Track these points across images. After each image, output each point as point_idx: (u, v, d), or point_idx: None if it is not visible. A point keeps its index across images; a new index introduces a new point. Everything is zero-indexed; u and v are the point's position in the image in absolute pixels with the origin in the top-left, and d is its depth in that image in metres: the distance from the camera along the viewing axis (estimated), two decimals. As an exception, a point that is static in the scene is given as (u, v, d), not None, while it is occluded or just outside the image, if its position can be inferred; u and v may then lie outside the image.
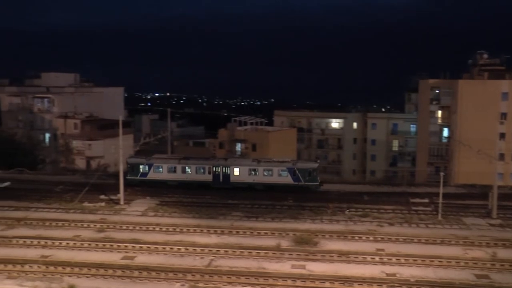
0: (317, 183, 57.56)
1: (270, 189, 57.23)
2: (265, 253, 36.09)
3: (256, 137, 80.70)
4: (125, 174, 59.85)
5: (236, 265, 33.87)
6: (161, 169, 60.48)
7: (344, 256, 35.38)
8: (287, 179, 57.66)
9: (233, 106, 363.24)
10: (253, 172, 58.71)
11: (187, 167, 60.22)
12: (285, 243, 38.10)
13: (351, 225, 43.44)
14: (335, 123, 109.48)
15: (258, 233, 40.97)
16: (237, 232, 41.36)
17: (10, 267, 34.28)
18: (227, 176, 59.20)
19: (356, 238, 39.79)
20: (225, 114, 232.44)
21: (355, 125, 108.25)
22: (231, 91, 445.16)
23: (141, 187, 58.89)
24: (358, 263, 34.44)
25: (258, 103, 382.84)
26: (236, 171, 58.99)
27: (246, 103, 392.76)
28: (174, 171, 60.18)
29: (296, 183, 57.32)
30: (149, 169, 60.70)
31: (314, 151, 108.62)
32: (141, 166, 61.23)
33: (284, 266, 33.82)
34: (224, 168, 59.30)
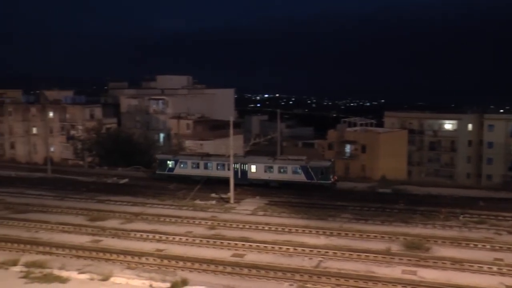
0: (330, 182, 58.48)
1: (285, 187, 58.54)
2: (374, 256, 35.29)
3: (366, 138, 79.37)
4: (155, 169, 67.45)
5: (344, 267, 33.41)
6: (186, 165, 64.71)
7: (458, 264, 33.68)
8: (300, 177, 59.19)
9: (342, 107, 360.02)
10: (269, 170, 60.72)
11: (208, 164, 63.88)
12: (395, 247, 37.06)
13: (466, 232, 41.37)
14: (449, 125, 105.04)
15: (368, 236, 40.19)
16: (346, 234, 40.84)
17: (129, 258, 36.23)
18: (245, 173, 62.02)
19: (471, 245, 37.77)
20: (334, 115, 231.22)
21: (470, 126, 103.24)
22: (340, 91, 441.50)
23: (169, 181, 63.70)
24: (473, 272, 32.64)
25: (368, 104, 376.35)
26: (253, 168, 61.70)
27: (355, 104, 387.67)
28: (198, 167, 64.11)
29: (309, 181, 58.79)
30: (175, 164, 65.25)
31: (426, 154, 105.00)
32: (168, 162, 66.06)
33: (394, 271, 32.87)
34: (242, 165, 62.11)
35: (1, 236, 42.04)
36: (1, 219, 47.85)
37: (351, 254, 35.73)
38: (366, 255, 35.43)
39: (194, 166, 64.62)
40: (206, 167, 63.98)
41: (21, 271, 33.67)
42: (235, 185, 59.40)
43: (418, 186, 60.71)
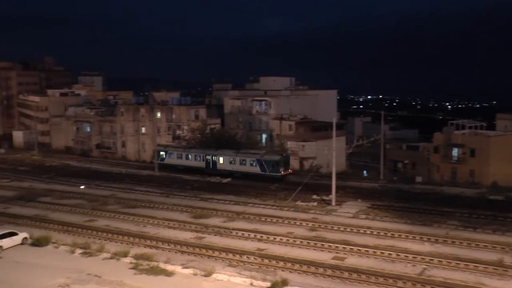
0: (280, 174, 64.50)
1: (245, 177, 65.95)
2: (484, 267, 33.42)
3: (475, 142, 75.45)
4: (153, 158, 77.59)
5: (451, 277, 31.97)
6: (173, 156, 73.92)
7: None
8: (256, 169, 66.15)
9: (449, 108, 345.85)
10: (232, 161, 68.35)
11: (189, 155, 72.69)
12: (508, 259, 34.89)
13: None
14: None
15: (477, 245, 38.20)
16: (453, 242, 39.10)
17: (230, 256, 36.98)
18: (215, 164, 70.50)
19: None
20: (441, 117, 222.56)
21: None
22: (447, 93, 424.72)
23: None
24: None
25: (477, 105, 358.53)
26: (221, 160, 68.73)
27: (463, 106, 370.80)
28: (181, 158, 73.22)
29: (263, 172, 65.64)
30: (166, 155, 74.93)
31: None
32: (161, 153, 75.89)
33: (508, 285, 30.92)
34: (213, 157, 69.78)
35: (113, 228, 44.73)
36: (114, 213, 50.78)
37: (458, 263, 34.15)
38: (475, 266, 33.69)
39: (179, 156, 73.92)
40: (187, 158, 72.65)
41: (131, 263, 35.49)
42: (207, 174, 68.96)
43: (535, 194, 56.92)
